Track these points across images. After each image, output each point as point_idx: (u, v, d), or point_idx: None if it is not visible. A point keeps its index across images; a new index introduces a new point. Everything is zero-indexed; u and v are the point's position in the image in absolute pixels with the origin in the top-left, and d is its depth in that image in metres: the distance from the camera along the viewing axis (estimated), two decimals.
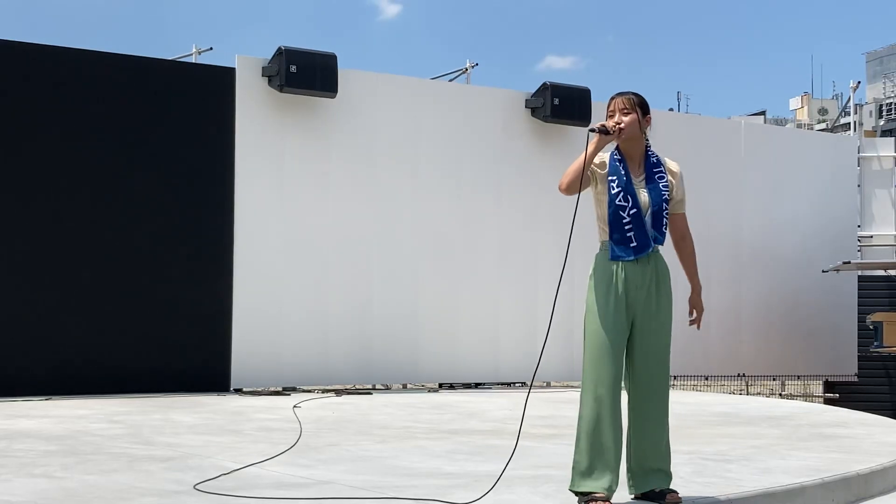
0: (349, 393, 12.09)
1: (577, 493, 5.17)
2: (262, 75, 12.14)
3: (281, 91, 12.07)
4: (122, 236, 11.35)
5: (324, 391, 12.11)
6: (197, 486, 5.48)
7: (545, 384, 14.12)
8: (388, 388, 12.98)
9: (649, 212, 5.28)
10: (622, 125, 5.30)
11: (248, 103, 12.09)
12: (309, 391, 12.06)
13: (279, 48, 12.07)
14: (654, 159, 5.42)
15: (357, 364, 12.56)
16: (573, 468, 5.20)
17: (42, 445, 7.07)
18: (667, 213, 5.31)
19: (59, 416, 9.04)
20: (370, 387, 12.91)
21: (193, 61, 12.71)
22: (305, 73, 12.04)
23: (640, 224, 5.27)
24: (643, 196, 5.30)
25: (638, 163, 5.40)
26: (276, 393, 11.75)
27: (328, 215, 12.51)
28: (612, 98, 5.40)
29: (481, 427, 8.76)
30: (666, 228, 5.32)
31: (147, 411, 9.55)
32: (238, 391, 11.77)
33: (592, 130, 5.34)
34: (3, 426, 8.19)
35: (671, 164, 5.46)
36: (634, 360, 5.31)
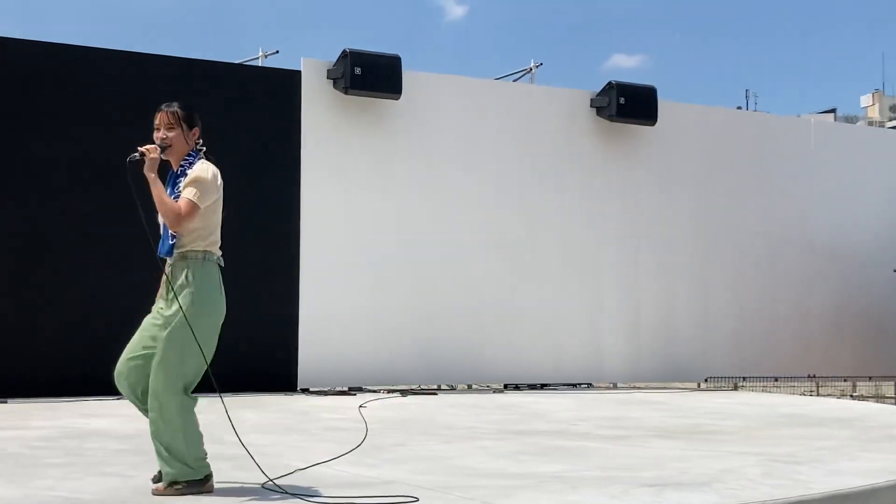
0: (414, 393, 12.12)
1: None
2: (327, 78, 12.22)
3: (346, 93, 12.13)
4: None
5: (389, 391, 12.15)
6: (265, 485, 5.52)
7: (611, 385, 14.03)
8: (452, 389, 12.99)
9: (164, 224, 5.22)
10: (167, 142, 5.21)
11: (314, 106, 12.17)
12: (374, 391, 12.10)
13: (344, 51, 12.13)
14: (179, 171, 5.29)
15: (422, 364, 12.58)
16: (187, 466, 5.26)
17: (113, 444, 7.18)
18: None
19: (130, 415, 9.13)
20: (435, 387, 12.92)
21: (260, 64, 12.81)
22: (370, 76, 12.09)
23: (164, 233, 5.30)
24: None
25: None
26: (343, 393, 11.82)
27: (392, 216, 12.55)
28: (157, 111, 5.28)
29: (546, 428, 8.72)
30: (170, 239, 5.25)
31: (215, 410, 9.63)
32: (305, 391, 11.85)
33: (132, 160, 5.15)
34: (75, 425, 8.32)
35: (194, 171, 5.30)
36: None
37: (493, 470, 6.27)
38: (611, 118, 13.70)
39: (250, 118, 11.86)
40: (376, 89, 12.23)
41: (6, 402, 10.13)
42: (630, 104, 13.67)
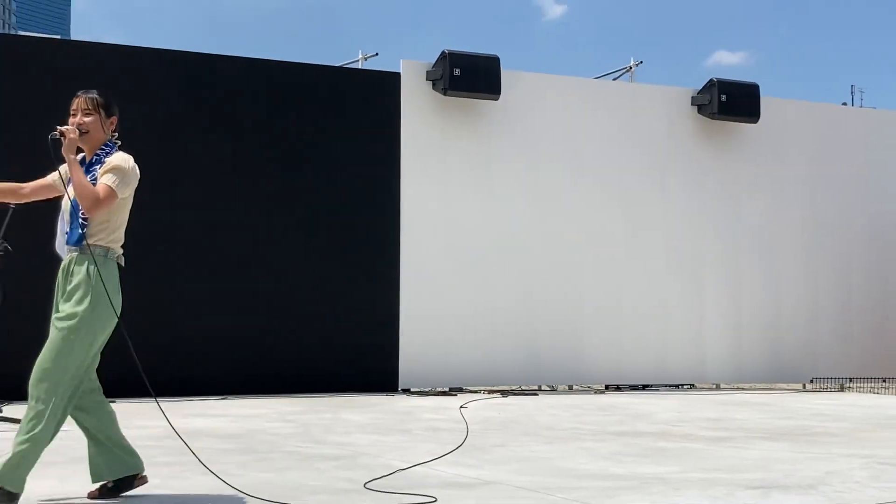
0: (515, 394, 12.11)
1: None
2: (427, 79, 12.28)
3: (445, 94, 12.18)
4: (294, 242, 11.63)
5: (490, 392, 12.15)
6: (367, 485, 5.57)
7: (714, 386, 13.84)
8: (553, 390, 12.94)
9: (69, 210, 5.00)
10: (83, 127, 5.00)
11: (413, 107, 12.24)
12: (475, 392, 12.12)
13: (443, 52, 12.18)
14: (96, 159, 5.04)
15: (522, 365, 12.57)
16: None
17: (219, 444, 7.30)
18: (81, 214, 4.90)
19: (235, 415, 9.32)
20: (536, 388, 12.89)
21: (360, 67, 12.92)
22: (469, 76, 12.12)
23: (62, 221, 5.08)
24: (68, 197, 5.02)
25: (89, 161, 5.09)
26: (443, 393, 11.86)
27: (492, 217, 12.56)
28: (76, 97, 5.14)
29: (649, 429, 8.64)
30: (82, 229, 4.91)
31: (318, 411, 9.76)
32: (406, 391, 11.92)
33: (53, 138, 4.89)
34: (181, 425, 8.48)
35: (114, 159, 5.00)
36: None
37: (595, 471, 6.23)
38: (712, 116, 13.53)
39: (350, 121, 11.97)
40: (475, 90, 12.25)
41: (114, 402, 10.36)
42: (732, 101, 13.48)
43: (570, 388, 13.17)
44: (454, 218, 12.40)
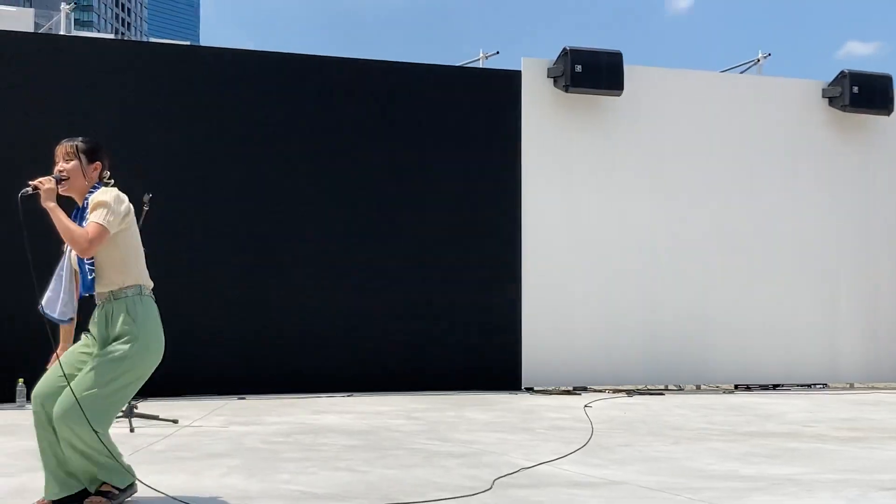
0: (640, 393, 11.97)
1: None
2: (548, 76, 12.23)
3: (566, 91, 12.11)
4: (418, 241, 11.70)
5: (614, 391, 12.05)
6: (492, 483, 5.56)
7: (848, 386, 13.48)
8: (680, 389, 12.76)
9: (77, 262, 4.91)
10: (63, 174, 4.86)
11: (534, 105, 12.21)
12: (599, 391, 12.03)
13: (564, 49, 12.12)
14: (85, 203, 4.91)
15: (648, 364, 12.43)
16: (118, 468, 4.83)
17: (345, 440, 7.38)
18: (89, 261, 4.81)
19: (361, 412, 9.42)
20: (662, 387, 12.73)
21: (481, 66, 12.94)
22: (591, 73, 12.04)
23: (81, 274, 4.90)
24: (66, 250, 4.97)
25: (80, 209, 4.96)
26: (567, 392, 11.79)
27: (616, 214, 12.45)
28: (59, 144, 4.98)
29: (778, 429, 8.46)
30: (90, 275, 4.82)
31: (442, 409, 9.80)
32: (529, 390, 11.89)
33: (24, 195, 4.76)
34: (309, 421, 8.61)
35: (95, 197, 4.86)
36: None
37: (723, 472, 6.12)
38: (844, 108, 13.18)
39: (471, 120, 11.99)
40: (597, 86, 12.16)
41: (244, 398, 10.58)
42: (864, 93, 13.12)
43: (698, 387, 12.97)
44: (576, 215, 12.32)
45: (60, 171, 4.89)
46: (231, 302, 11.04)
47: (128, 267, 4.89)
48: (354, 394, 11.09)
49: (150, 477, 5.53)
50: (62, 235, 4.71)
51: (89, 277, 4.83)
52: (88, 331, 4.92)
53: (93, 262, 4.82)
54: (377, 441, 7.37)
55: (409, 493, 5.25)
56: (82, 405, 4.59)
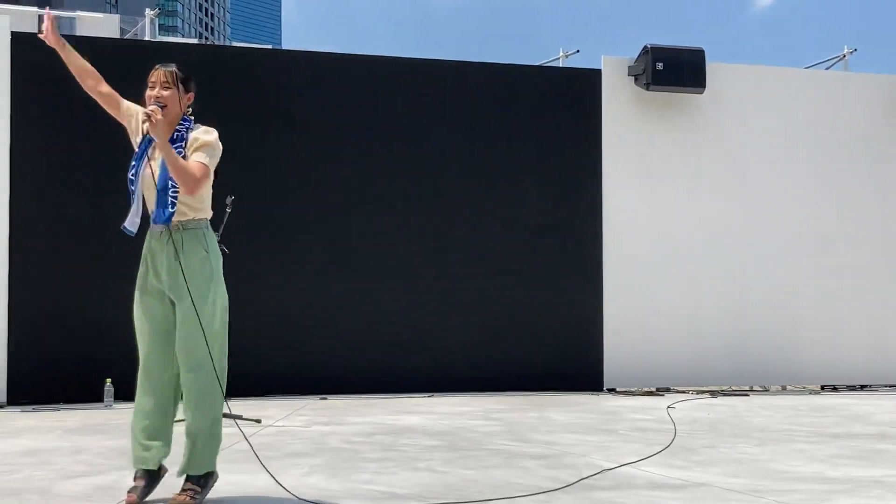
0: (725, 394, 11.83)
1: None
2: (628, 74, 12.14)
3: (647, 89, 12.01)
4: (498, 240, 11.69)
5: (698, 392, 11.92)
6: (573, 485, 5.54)
7: None
8: (765, 390, 12.59)
9: (155, 189, 4.79)
10: (161, 101, 4.82)
11: (615, 103, 12.13)
12: (683, 392, 11.91)
13: (645, 46, 12.02)
14: (178, 135, 4.84)
15: (732, 364, 12.27)
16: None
17: (425, 440, 7.40)
18: (173, 191, 4.75)
19: (441, 412, 9.44)
20: (747, 388, 12.57)
21: (561, 65, 12.89)
22: (672, 70, 11.92)
23: (137, 200, 4.83)
24: (148, 172, 4.82)
25: (169, 136, 4.84)
26: (650, 393, 11.70)
27: (698, 213, 12.32)
28: (155, 69, 4.91)
29: (866, 431, 8.30)
30: (172, 207, 4.76)
31: (522, 409, 9.78)
32: (611, 391, 11.82)
33: (145, 122, 4.71)
34: (390, 421, 8.65)
35: (201, 134, 4.86)
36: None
37: (809, 474, 6.03)
38: None
39: (551, 119, 11.95)
40: (679, 84, 12.04)
41: (326, 398, 10.67)
42: None
43: (783, 388, 12.78)
44: (658, 214, 12.21)
45: (158, 99, 4.84)
46: (312, 303, 11.13)
47: (204, 201, 4.94)
48: (434, 394, 11.12)
49: (233, 476, 5.61)
50: (172, 171, 4.70)
51: (170, 210, 4.78)
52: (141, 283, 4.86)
53: (177, 195, 4.79)
54: (457, 441, 7.38)
55: (489, 494, 5.25)
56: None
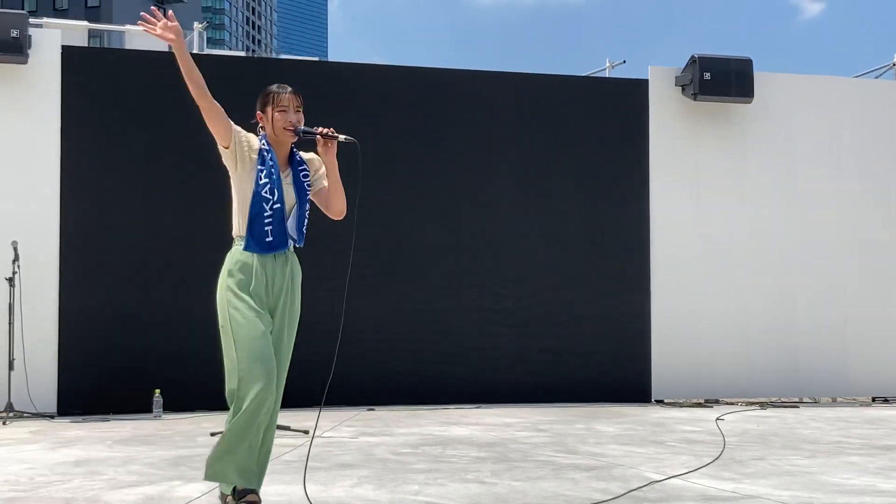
0: (774, 406, 11.71)
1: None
2: (675, 85, 12.07)
3: (694, 99, 11.95)
4: (546, 251, 11.67)
5: (747, 404, 11.81)
6: (621, 496, 5.51)
7: None
8: (815, 402, 12.45)
9: (294, 211, 4.85)
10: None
11: (662, 113, 12.07)
12: (732, 403, 11.80)
13: (692, 56, 11.96)
14: (298, 157, 4.95)
15: (782, 376, 12.15)
16: (220, 461, 4.70)
17: (473, 451, 7.39)
18: (307, 214, 4.92)
19: (489, 423, 9.42)
20: (796, 400, 12.43)
21: (607, 76, 12.86)
22: (719, 80, 11.85)
23: (281, 221, 4.79)
24: (289, 193, 4.85)
25: (284, 159, 4.91)
26: (698, 405, 11.60)
27: (746, 223, 12.22)
28: (282, 91, 4.95)
29: None
30: (305, 230, 4.89)
31: (570, 421, 9.74)
32: (659, 402, 11.74)
33: (334, 138, 4.94)
34: (438, 432, 8.65)
35: (308, 156, 4.99)
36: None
37: (861, 486, 5.95)
38: None
39: (599, 130, 11.92)
40: (726, 94, 11.96)
41: (373, 410, 10.68)
42: None
43: (834, 400, 12.63)
44: (707, 224, 12.13)
45: (298, 123, 4.95)
46: (358, 313, 11.14)
47: None
48: (482, 405, 11.10)
49: (280, 487, 5.63)
50: (338, 195, 4.97)
51: (303, 231, 4.94)
52: (240, 290, 4.74)
53: (306, 220, 4.93)
54: (504, 453, 7.36)
55: None
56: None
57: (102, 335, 10.40)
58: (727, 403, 11.80)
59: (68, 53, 10.56)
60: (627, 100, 12.08)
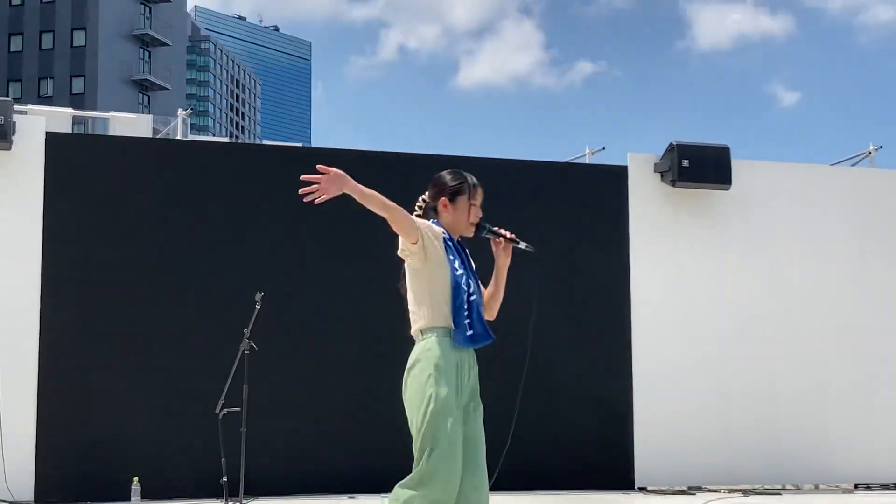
0: (757, 493, 11.65)
1: None
2: (654, 171, 12.20)
3: (673, 186, 12.07)
4: (527, 335, 11.64)
5: (730, 490, 11.74)
6: None
7: None
8: (798, 489, 12.39)
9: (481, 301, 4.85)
10: (509, 234, 5.14)
11: (641, 200, 12.18)
12: (714, 490, 11.73)
13: (671, 144, 12.11)
14: (466, 249, 4.98)
15: (764, 462, 12.09)
16: None
17: None
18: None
19: None
20: (779, 487, 12.37)
21: (587, 162, 12.99)
22: (698, 167, 11.98)
23: (479, 312, 4.79)
24: (479, 284, 4.90)
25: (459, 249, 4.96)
26: (682, 492, 11.53)
27: (727, 309, 12.26)
28: (479, 185, 5.11)
29: None
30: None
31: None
32: (642, 489, 11.66)
33: (515, 243, 5.11)
34: None
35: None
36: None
37: None
38: None
39: (578, 216, 12.00)
40: (705, 181, 12.09)
41: (354, 498, 10.53)
42: None
43: (817, 487, 12.57)
44: (687, 309, 12.17)
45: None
46: (339, 400, 11.08)
47: None
48: None
49: None
50: (498, 297, 5.12)
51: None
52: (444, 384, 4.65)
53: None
54: None
55: None
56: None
57: (80, 423, 10.29)
58: (710, 490, 11.73)
59: (52, 140, 10.62)
60: (608, 186, 12.18)
